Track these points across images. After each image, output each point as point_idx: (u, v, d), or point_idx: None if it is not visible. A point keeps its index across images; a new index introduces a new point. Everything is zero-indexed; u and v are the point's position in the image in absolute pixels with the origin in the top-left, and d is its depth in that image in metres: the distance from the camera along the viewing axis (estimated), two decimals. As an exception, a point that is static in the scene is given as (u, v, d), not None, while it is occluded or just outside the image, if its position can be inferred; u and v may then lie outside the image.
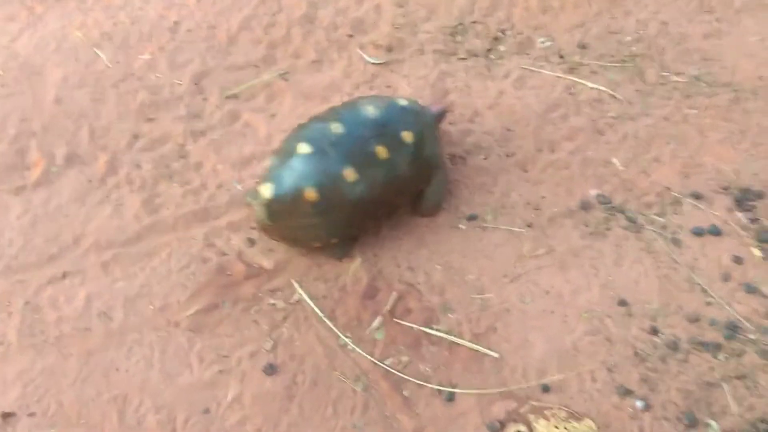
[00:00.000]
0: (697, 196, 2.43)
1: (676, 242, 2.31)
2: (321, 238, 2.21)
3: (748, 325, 2.10)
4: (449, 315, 2.15)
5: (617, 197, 2.43)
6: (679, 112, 2.68)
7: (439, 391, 1.99)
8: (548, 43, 2.97)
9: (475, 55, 2.93)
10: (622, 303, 2.16)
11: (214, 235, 2.34)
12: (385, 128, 2.18)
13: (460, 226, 2.37)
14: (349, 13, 3.13)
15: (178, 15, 3.11)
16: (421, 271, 2.25)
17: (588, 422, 1.91)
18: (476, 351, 2.07)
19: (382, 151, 2.14)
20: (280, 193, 2.11)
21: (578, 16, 3.10)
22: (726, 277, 2.22)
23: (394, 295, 2.19)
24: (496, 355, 2.06)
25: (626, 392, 1.97)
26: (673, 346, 2.06)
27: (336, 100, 2.73)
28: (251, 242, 2.32)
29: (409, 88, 2.78)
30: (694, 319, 2.12)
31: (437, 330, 2.12)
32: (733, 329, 2.09)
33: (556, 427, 1.89)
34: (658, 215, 2.38)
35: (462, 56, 2.93)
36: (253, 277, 2.24)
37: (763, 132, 2.61)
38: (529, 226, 2.36)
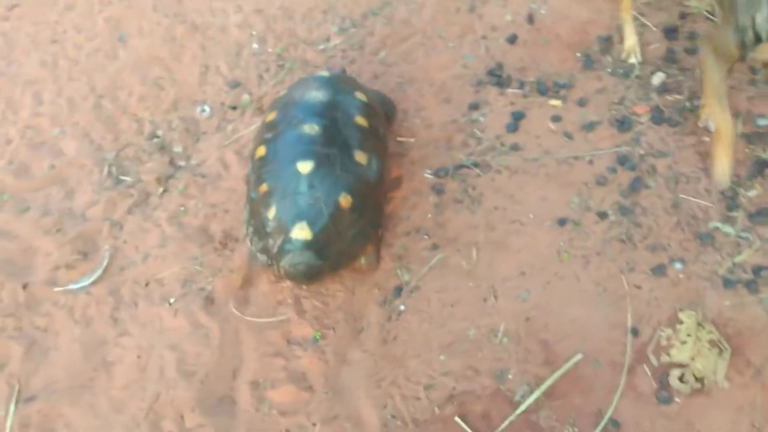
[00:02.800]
0: (476, 107, 2.43)
1: (515, 148, 2.30)
2: (369, 237, 2.00)
3: (626, 148, 2.26)
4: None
5: (443, 161, 2.29)
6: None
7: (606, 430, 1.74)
8: (206, 109, 2.48)
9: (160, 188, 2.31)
10: (562, 221, 2.11)
11: None
12: (343, 102, 2.05)
13: (398, 308, 1.98)
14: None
15: None
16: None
17: (685, 314, 1.90)
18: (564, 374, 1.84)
19: (361, 120, 2.04)
20: (318, 223, 1.85)
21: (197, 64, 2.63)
22: (569, 135, 2.32)
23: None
24: (579, 356, 1.86)
25: (661, 268, 1.99)
26: (623, 212, 2.12)
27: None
28: None
29: (177, 283, 2.07)
30: (602, 182, 2.20)
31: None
32: (623, 161, 2.23)
33: (687, 338, 1.84)
34: (478, 143, 2.33)
35: (162, 190, 2.27)
36: None
37: (432, 25, 2.69)
38: (436, 246, 2.09)
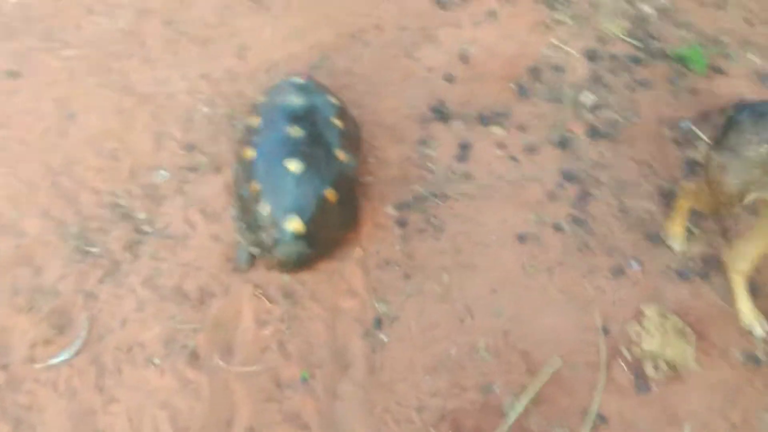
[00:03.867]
0: (425, 143, 2.56)
1: (467, 176, 2.43)
2: (350, 226, 2.24)
3: (569, 164, 2.42)
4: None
5: (403, 195, 2.40)
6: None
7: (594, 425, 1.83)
8: (164, 173, 2.53)
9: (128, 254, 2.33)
10: (522, 238, 2.24)
11: None
12: (320, 105, 2.25)
13: (380, 338, 2.04)
14: None
15: None
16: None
17: (648, 309, 2.03)
18: (546, 379, 1.93)
19: (338, 122, 2.23)
20: (309, 214, 2.03)
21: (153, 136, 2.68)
22: (515, 159, 2.47)
23: None
24: (558, 360, 1.96)
25: (620, 269, 2.13)
26: (577, 223, 2.27)
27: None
28: None
29: (160, 344, 2.09)
30: (553, 198, 2.35)
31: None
32: (568, 176, 2.39)
33: (654, 330, 1.96)
34: (433, 175, 2.45)
35: (131, 256, 2.29)
36: None
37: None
38: (408, 276, 2.17)
